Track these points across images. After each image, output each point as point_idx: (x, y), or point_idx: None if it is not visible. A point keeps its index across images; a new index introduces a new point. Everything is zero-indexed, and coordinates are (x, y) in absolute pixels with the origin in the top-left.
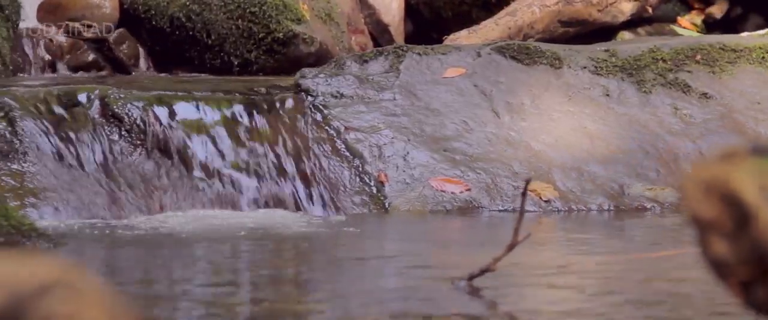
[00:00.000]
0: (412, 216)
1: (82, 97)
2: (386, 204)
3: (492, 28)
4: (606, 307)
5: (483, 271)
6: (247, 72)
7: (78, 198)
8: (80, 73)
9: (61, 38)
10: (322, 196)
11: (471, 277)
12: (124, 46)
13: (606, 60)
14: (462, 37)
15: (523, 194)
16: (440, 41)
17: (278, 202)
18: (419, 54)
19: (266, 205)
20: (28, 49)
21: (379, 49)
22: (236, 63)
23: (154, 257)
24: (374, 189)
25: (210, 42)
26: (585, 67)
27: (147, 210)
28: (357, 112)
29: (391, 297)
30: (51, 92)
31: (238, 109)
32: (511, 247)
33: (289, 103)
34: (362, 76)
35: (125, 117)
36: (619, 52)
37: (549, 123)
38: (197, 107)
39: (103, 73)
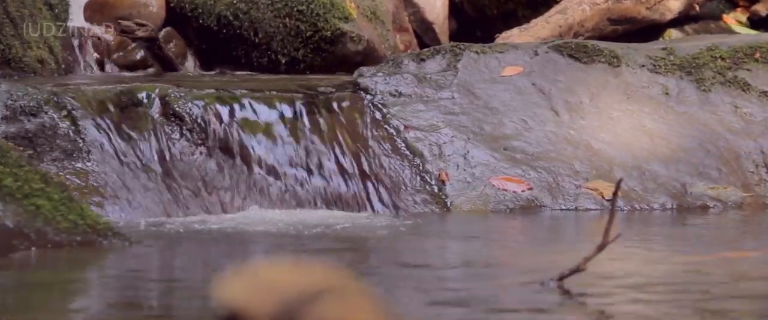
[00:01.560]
0: (475, 215)
1: (142, 96)
2: (448, 203)
3: (543, 27)
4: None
5: (573, 271)
6: (294, 70)
7: (142, 197)
8: (126, 72)
9: (108, 37)
10: (383, 195)
11: (561, 277)
12: (172, 44)
13: (664, 58)
14: (514, 35)
15: (615, 194)
16: (485, 39)
17: (339, 201)
18: (476, 52)
19: (327, 204)
20: (76, 48)
21: (436, 47)
22: (283, 61)
23: (230, 256)
24: (435, 188)
25: (257, 40)
26: (643, 66)
27: (210, 209)
28: (416, 110)
29: (487, 299)
30: (111, 91)
31: (298, 107)
32: (601, 247)
33: (348, 101)
34: (420, 75)
35: (186, 116)
36: (676, 51)
37: (608, 122)
38: (257, 106)
39: (151, 71)
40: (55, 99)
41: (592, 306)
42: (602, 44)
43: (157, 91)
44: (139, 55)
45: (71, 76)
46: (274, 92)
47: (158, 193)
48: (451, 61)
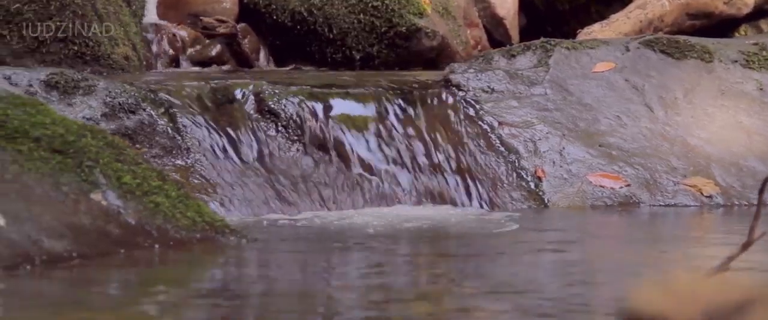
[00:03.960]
0: (573, 211)
1: (237, 93)
2: (545, 200)
3: (624, 22)
4: None
5: (719, 270)
6: (369, 66)
7: (242, 194)
8: (200, 68)
9: (183, 33)
10: (480, 192)
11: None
12: (246, 40)
13: (756, 54)
14: (595, 30)
15: (761, 192)
16: (555, 35)
17: (437, 198)
18: (567, 48)
19: (424, 201)
20: (153, 44)
21: (526, 43)
22: (358, 57)
23: (346, 253)
24: (532, 185)
25: (331, 36)
26: (735, 61)
27: (310, 205)
28: (509, 106)
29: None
30: (206, 88)
31: (392, 104)
32: (745, 246)
33: (441, 98)
34: (511, 71)
35: (281, 112)
36: None
37: (703, 118)
38: (351, 102)
39: (224, 67)
40: (152, 96)
41: None
42: (693, 39)
43: (250, 87)
44: (214, 51)
45: (152, 72)
46: (368, 89)
47: (258, 190)
48: (541, 57)
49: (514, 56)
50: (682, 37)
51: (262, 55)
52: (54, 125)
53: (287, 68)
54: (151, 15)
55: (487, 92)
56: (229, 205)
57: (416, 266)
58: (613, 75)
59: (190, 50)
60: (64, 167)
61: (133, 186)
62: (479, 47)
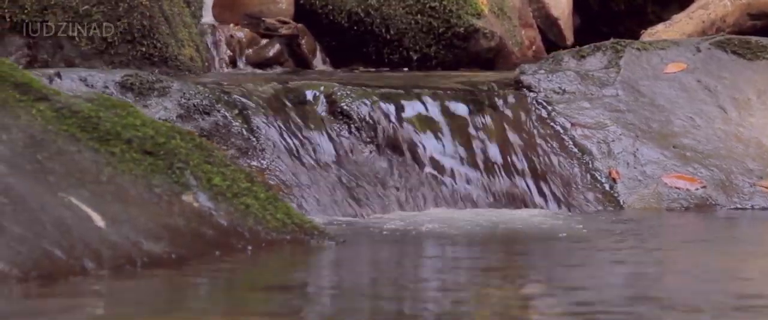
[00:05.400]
0: (649, 213)
1: (309, 95)
2: (620, 201)
3: (687, 22)
4: None
5: None
6: (426, 67)
7: (318, 196)
8: (257, 69)
9: (240, 34)
10: (554, 193)
11: None
12: (303, 41)
13: None
14: (659, 31)
15: None
16: (610, 35)
17: (511, 199)
18: (638, 49)
19: (499, 203)
20: (210, 45)
21: (596, 44)
22: (415, 58)
23: (441, 257)
24: (606, 186)
25: (389, 37)
26: None
27: (386, 207)
28: (581, 108)
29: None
30: (279, 89)
31: (463, 105)
32: None
33: (512, 99)
34: (581, 72)
35: (354, 114)
36: None
37: None
38: (423, 104)
39: (283, 69)
40: (226, 97)
41: None
42: (764, 40)
43: (322, 89)
44: (272, 52)
45: (213, 73)
46: (439, 90)
47: (333, 191)
48: (612, 58)
49: (583, 57)
50: (753, 38)
51: (318, 55)
52: (144, 127)
53: (344, 69)
54: (207, 16)
55: (558, 93)
56: (305, 207)
57: (506, 268)
58: (685, 76)
59: (247, 51)
60: (155, 169)
61: (223, 188)
62: (533, 48)
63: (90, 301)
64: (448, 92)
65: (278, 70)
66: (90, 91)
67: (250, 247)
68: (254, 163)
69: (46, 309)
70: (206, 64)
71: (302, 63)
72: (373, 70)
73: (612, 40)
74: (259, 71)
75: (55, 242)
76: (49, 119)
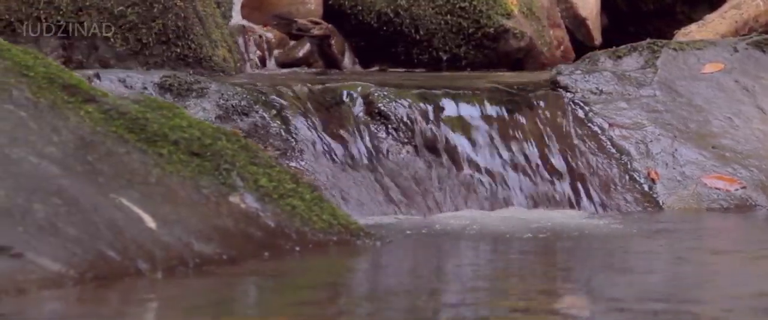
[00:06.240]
0: (689, 214)
1: (346, 95)
2: (659, 202)
3: (719, 22)
4: None
5: None
6: (456, 67)
7: (357, 197)
8: (285, 70)
9: (269, 34)
10: (593, 194)
11: None
12: (333, 42)
13: None
14: (693, 31)
15: None
16: (638, 35)
17: (550, 201)
18: (675, 49)
19: (538, 203)
20: (240, 46)
21: (633, 44)
22: (444, 58)
23: (478, 255)
24: (645, 187)
25: (418, 37)
26: None
27: (425, 208)
28: (618, 108)
29: None
30: (316, 90)
31: (500, 105)
32: None
33: (549, 99)
34: (618, 72)
35: (391, 114)
36: None
37: None
38: (460, 104)
39: (312, 69)
40: (264, 98)
41: None
42: None
43: (359, 89)
44: (301, 52)
45: (245, 74)
46: (476, 91)
47: (371, 192)
48: (649, 59)
49: (620, 57)
50: None
51: (346, 56)
52: (190, 128)
53: (374, 69)
54: (235, 16)
55: (595, 94)
56: (345, 207)
57: (551, 269)
58: (722, 76)
59: (276, 52)
60: (202, 170)
61: (269, 189)
62: (561, 48)
63: (147, 304)
64: (485, 92)
65: (307, 70)
66: (135, 92)
67: (297, 248)
68: (293, 164)
69: (103, 312)
70: (238, 64)
71: (331, 63)
72: (403, 70)
73: (648, 40)
74: (287, 72)
75: (108, 243)
76: (97, 120)
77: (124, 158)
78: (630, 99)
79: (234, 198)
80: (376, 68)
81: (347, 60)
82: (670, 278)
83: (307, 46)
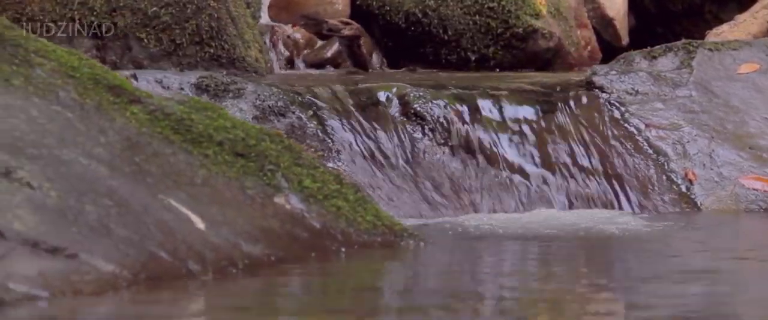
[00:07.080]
0: (727, 215)
1: (382, 96)
2: (697, 203)
3: (751, 22)
4: None
5: None
6: (484, 67)
7: (395, 197)
8: (314, 70)
9: (297, 35)
10: (630, 195)
11: None
12: (362, 42)
13: None
14: (724, 31)
15: None
16: (666, 36)
17: (587, 201)
18: (710, 49)
19: (575, 204)
20: (269, 46)
21: (668, 45)
22: (473, 58)
23: (523, 256)
24: (683, 188)
25: (446, 37)
26: None
27: (462, 209)
28: (654, 108)
29: None
30: (352, 91)
31: (535, 106)
32: None
33: (584, 100)
34: (653, 73)
35: (427, 115)
36: None
37: None
38: (496, 105)
39: (341, 69)
40: (300, 98)
41: None
42: None
43: (394, 90)
44: (330, 52)
45: (275, 74)
46: (511, 91)
47: (408, 192)
48: (684, 59)
49: (655, 58)
50: None
51: (374, 56)
52: (235, 129)
53: (403, 70)
54: (263, 16)
55: (631, 94)
56: (383, 208)
57: (591, 271)
58: (758, 76)
59: (304, 52)
60: (247, 171)
61: (314, 190)
62: (589, 48)
63: (199, 306)
64: (520, 93)
65: (335, 71)
66: (178, 92)
67: (343, 249)
68: (330, 165)
69: (157, 312)
70: (268, 64)
71: (359, 64)
72: (431, 70)
73: (683, 40)
74: (316, 72)
75: (159, 244)
76: (142, 121)
77: (170, 159)
78: (666, 99)
79: (279, 199)
80: (404, 69)
81: (375, 60)
82: (708, 284)
83: (335, 47)
